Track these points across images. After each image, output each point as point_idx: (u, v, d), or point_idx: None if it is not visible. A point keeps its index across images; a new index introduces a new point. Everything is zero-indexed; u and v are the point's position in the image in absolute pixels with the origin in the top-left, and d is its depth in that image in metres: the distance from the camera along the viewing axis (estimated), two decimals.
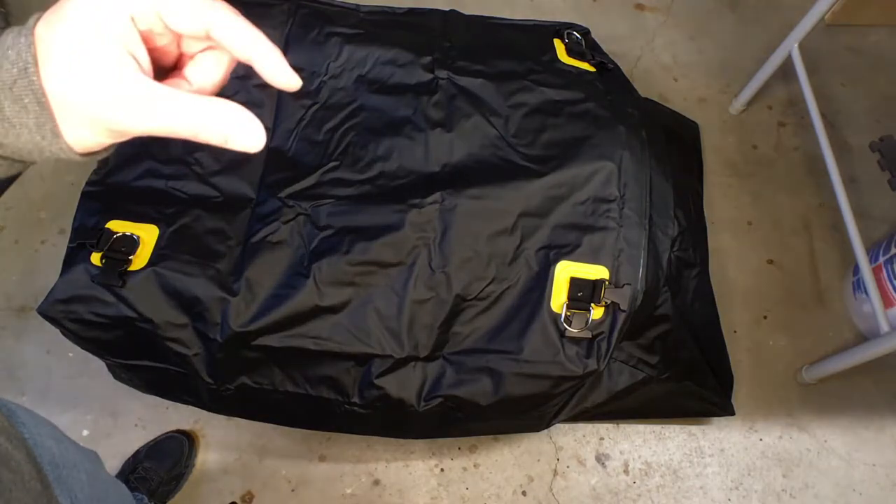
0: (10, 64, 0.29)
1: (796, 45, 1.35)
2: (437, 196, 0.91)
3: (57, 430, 0.60)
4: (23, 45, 0.29)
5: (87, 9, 0.29)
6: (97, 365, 1.04)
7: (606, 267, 0.91)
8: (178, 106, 0.30)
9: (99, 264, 0.86)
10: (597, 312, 0.89)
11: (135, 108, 0.30)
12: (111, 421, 1.16)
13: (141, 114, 0.30)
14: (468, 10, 1.16)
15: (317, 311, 0.87)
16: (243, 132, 0.32)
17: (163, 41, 0.33)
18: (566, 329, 0.88)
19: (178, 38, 0.34)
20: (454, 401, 0.90)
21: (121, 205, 0.91)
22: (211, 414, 1.12)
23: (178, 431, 1.13)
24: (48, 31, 0.29)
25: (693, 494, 1.17)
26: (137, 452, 1.11)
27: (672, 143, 1.33)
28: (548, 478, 1.16)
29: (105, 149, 0.33)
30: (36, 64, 0.29)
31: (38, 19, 0.30)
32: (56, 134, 0.30)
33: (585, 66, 1.12)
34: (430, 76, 1.02)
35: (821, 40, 1.68)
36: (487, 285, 0.90)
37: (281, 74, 0.34)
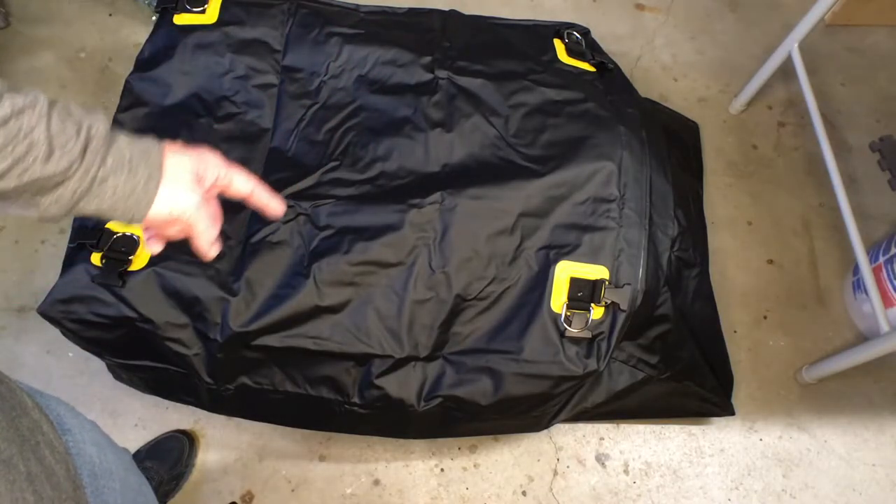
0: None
1: (796, 45, 1.35)
2: (437, 196, 0.91)
3: (98, 433, 0.61)
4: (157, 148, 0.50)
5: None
6: (97, 365, 1.04)
7: (606, 267, 0.91)
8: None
9: (99, 264, 0.86)
10: (597, 312, 0.89)
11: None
12: (111, 421, 1.15)
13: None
14: (468, 10, 1.16)
15: (317, 311, 0.87)
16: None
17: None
18: (566, 329, 0.88)
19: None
20: (454, 401, 0.90)
21: None
22: (211, 414, 1.12)
23: (178, 431, 1.13)
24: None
25: (693, 494, 1.17)
26: (137, 452, 1.11)
27: (672, 143, 1.33)
28: (548, 478, 1.16)
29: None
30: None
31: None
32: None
33: (585, 66, 1.12)
34: (429, 76, 1.02)
35: (821, 40, 1.68)
36: (487, 285, 0.90)
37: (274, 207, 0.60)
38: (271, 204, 0.60)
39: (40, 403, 0.49)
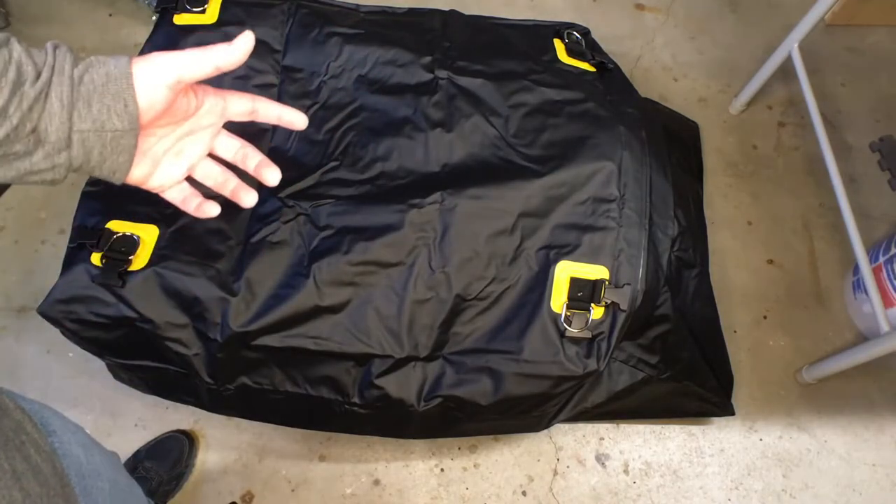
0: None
1: (796, 45, 1.35)
2: (437, 196, 0.91)
3: (84, 436, 0.60)
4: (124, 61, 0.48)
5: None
6: (97, 365, 1.04)
7: (606, 267, 0.91)
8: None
9: (99, 264, 0.86)
10: (597, 312, 0.89)
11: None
12: (111, 421, 1.16)
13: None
14: (468, 10, 1.16)
15: (317, 311, 0.87)
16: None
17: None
18: (566, 329, 0.88)
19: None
20: (454, 401, 0.90)
21: (121, 205, 0.91)
22: (211, 414, 1.12)
23: (178, 431, 1.13)
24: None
25: (693, 494, 1.17)
26: (137, 452, 1.11)
27: (672, 143, 1.33)
28: (548, 478, 1.16)
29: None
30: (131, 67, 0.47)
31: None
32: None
33: (585, 66, 1.12)
34: (430, 76, 1.02)
35: (821, 40, 1.68)
36: (487, 285, 0.90)
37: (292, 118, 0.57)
38: (285, 114, 0.55)
39: (22, 406, 0.49)
